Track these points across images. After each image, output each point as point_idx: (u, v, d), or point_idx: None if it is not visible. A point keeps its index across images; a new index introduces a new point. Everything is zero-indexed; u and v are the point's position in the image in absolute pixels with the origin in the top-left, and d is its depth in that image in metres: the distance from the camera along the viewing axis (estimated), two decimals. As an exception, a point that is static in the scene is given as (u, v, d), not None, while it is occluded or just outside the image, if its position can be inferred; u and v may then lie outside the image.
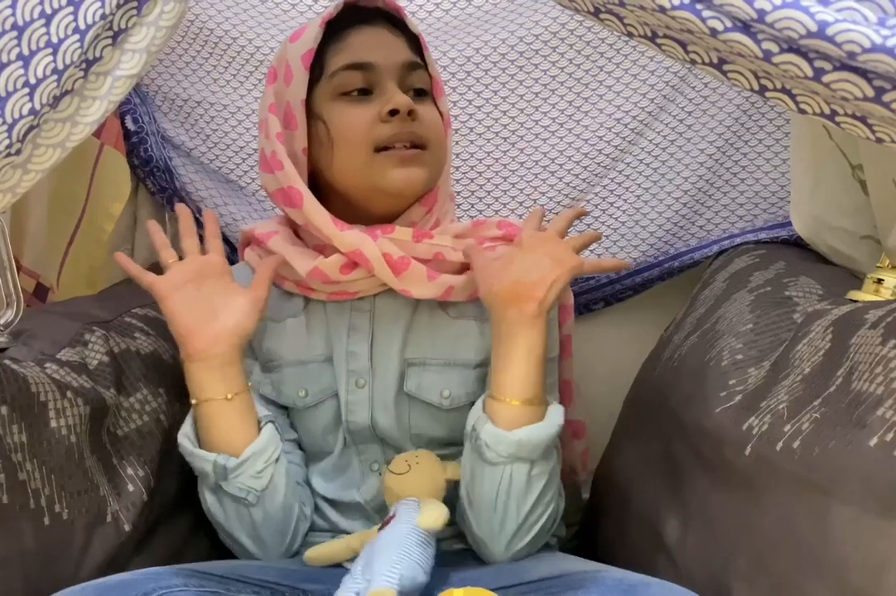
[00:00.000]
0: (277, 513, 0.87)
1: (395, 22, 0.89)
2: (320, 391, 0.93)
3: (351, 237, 0.86)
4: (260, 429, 0.86)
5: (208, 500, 0.87)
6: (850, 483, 0.62)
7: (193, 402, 0.86)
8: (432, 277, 0.88)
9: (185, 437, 0.86)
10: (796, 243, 1.21)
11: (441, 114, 0.91)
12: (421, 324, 0.92)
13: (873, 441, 0.61)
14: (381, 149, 0.85)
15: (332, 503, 0.95)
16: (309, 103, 0.88)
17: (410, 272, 0.87)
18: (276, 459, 0.86)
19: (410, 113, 0.84)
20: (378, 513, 0.92)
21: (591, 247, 1.35)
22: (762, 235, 1.27)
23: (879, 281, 0.90)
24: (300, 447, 0.97)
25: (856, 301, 0.87)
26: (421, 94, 0.89)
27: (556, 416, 0.84)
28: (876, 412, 0.62)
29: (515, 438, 0.80)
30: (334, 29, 0.87)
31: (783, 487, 0.71)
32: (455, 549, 0.92)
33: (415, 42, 0.89)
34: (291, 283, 0.93)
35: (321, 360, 0.93)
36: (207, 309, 0.85)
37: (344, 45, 0.86)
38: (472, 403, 0.89)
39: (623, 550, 1.01)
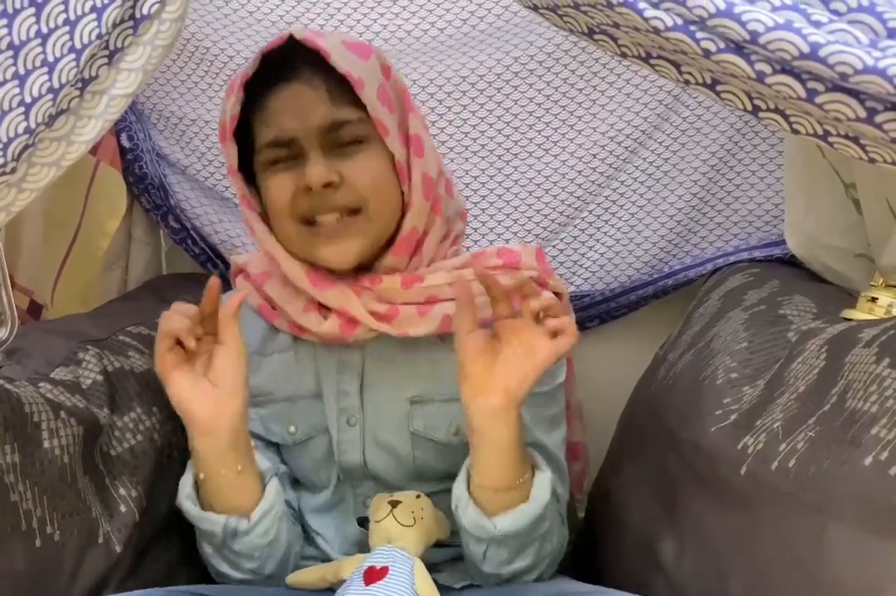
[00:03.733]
0: (277, 560, 0.86)
1: (320, 63, 0.81)
2: (310, 427, 0.91)
3: (334, 296, 0.84)
4: (264, 485, 0.83)
5: (210, 554, 0.85)
6: (846, 503, 0.62)
7: (201, 476, 0.81)
8: (423, 313, 0.86)
9: (188, 500, 0.82)
10: (790, 262, 1.21)
11: (394, 153, 0.84)
12: (420, 360, 0.90)
13: (868, 460, 0.61)
14: (307, 221, 0.83)
15: (324, 537, 0.94)
16: (255, 168, 0.86)
17: (401, 318, 0.85)
18: (281, 515, 0.84)
19: (329, 184, 0.80)
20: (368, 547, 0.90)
21: (587, 263, 1.35)
22: (756, 254, 1.27)
23: (873, 299, 0.90)
24: (290, 479, 0.95)
25: (850, 320, 0.87)
26: (354, 144, 0.83)
27: (541, 492, 0.80)
28: (870, 431, 0.62)
29: (496, 529, 0.78)
30: (256, 88, 0.83)
31: (779, 506, 0.70)
32: (452, 572, 0.91)
33: (343, 85, 0.81)
34: (283, 322, 0.91)
35: (310, 396, 0.91)
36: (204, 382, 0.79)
37: (266, 115, 0.83)
38: None
39: (618, 569, 1.00)
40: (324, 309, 0.87)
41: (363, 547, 0.90)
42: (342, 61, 0.80)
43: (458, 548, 0.86)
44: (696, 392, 0.92)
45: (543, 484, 0.80)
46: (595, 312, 1.36)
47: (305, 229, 0.83)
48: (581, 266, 1.35)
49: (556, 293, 0.94)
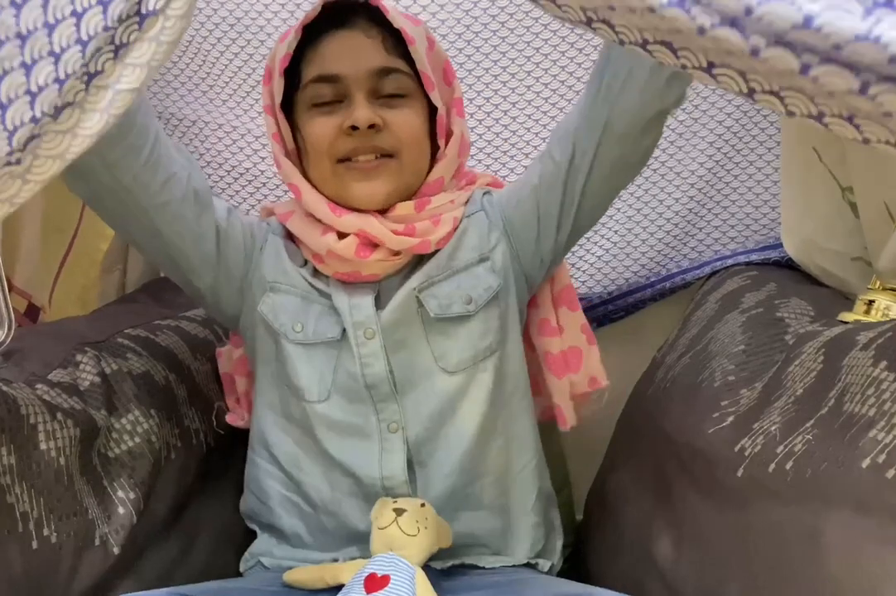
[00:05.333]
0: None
1: (377, 18, 0.86)
2: (314, 334, 0.90)
3: (352, 220, 0.86)
4: None
5: None
6: (843, 505, 0.62)
7: None
8: (436, 223, 0.89)
9: None
10: (788, 265, 1.21)
11: (437, 107, 0.88)
12: (430, 269, 0.91)
13: (865, 463, 0.61)
14: (343, 160, 0.86)
15: (345, 463, 0.91)
16: (294, 109, 0.89)
17: (419, 231, 0.88)
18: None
19: (373, 126, 0.84)
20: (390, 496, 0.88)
21: (585, 266, 1.35)
22: (754, 257, 1.28)
23: (870, 302, 0.91)
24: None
25: (847, 322, 0.88)
26: (396, 96, 0.86)
27: None
28: (868, 434, 0.62)
29: None
30: (313, 32, 0.87)
31: (776, 508, 0.71)
32: (447, 567, 0.91)
33: (397, 39, 0.86)
34: (308, 251, 0.92)
35: (325, 306, 0.91)
36: None
37: (316, 54, 0.86)
38: (496, 297, 0.91)
39: (615, 571, 1.00)
40: (342, 235, 0.88)
41: (383, 480, 0.89)
42: (398, 19, 0.85)
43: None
44: (694, 395, 0.92)
45: None
46: (592, 316, 1.36)
47: (341, 167, 0.86)
48: (578, 269, 1.35)
49: None
